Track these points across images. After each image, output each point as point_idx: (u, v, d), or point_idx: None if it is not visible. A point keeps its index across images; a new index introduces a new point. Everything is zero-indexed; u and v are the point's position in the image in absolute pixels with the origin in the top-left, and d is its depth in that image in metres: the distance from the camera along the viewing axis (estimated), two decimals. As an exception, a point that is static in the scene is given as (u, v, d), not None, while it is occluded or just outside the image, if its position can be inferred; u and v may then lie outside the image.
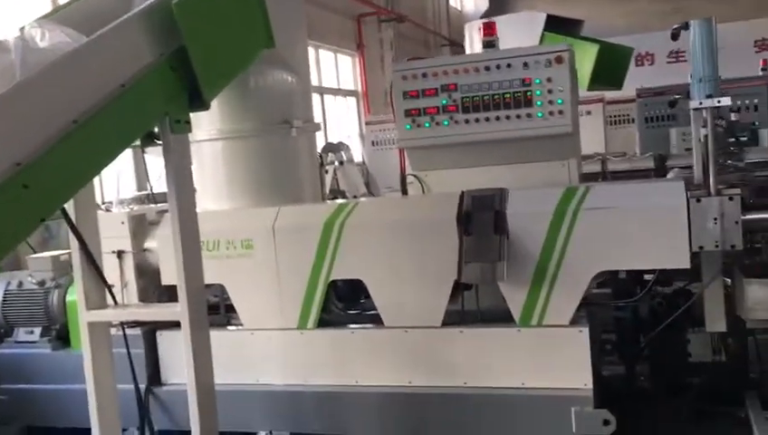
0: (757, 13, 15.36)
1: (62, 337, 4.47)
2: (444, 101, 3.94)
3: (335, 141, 7.35)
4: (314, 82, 12.48)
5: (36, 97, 2.37)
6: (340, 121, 14.81)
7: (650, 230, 3.34)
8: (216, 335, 3.23)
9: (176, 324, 3.08)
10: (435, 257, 3.57)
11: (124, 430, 3.56)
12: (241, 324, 4.01)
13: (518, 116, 3.84)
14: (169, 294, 3.92)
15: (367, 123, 12.75)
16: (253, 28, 3.44)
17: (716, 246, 3.34)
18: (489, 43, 4.15)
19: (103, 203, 5.71)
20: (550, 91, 3.79)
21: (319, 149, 5.40)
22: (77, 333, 3.84)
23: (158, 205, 4.44)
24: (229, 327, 4.08)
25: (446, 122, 3.96)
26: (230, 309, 4.05)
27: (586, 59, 6.62)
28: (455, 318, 3.65)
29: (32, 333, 4.50)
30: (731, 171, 5.30)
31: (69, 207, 3.04)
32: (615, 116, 12.00)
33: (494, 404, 3.51)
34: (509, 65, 3.85)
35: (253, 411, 3.88)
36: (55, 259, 4.52)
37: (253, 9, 3.43)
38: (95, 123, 2.51)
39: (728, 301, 3.66)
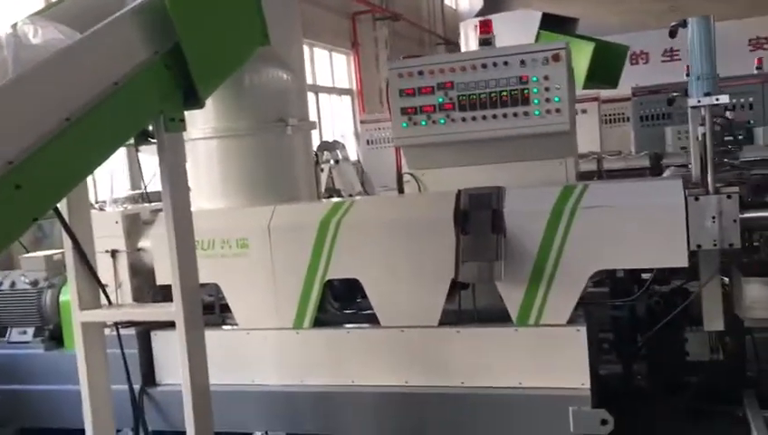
0: (752, 11, 15.39)
1: (55, 337, 4.43)
2: (440, 99, 3.91)
3: (330, 140, 7.32)
4: (309, 80, 12.45)
5: (29, 94, 2.34)
6: (334, 120, 14.78)
7: (648, 229, 3.32)
8: (211, 335, 3.20)
9: (170, 324, 3.06)
10: (431, 256, 3.55)
11: (118, 431, 3.52)
12: (236, 324, 3.98)
13: (515, 114, 3.82)
14: (164, 294, 3.89)
15: (362, 122, 12.73)
16: (248, 26, 3.41)
17: (714, 245, 3.33)
18: (486, 41, 4.13)
19: (97, 202, 5.67)
20: (547, 89, 3.77)
21: (314, 148, 5.37)
22: (70, 334, 3.80)
23: (153, 204, 4.40)
24: (224, 327, 4.05)
25: (442, 120, 3.93)
26: (225, 309, 4.02)
27: (582, 57, 6.63)
28: (452, 318, 3.63)
29: (25, 333, 4.46)
30: (727, 169, 5.30)
31: (62, 206, 3.02)
32: (610, 115, 12.01)
33: (492, 404, 3.49)
34: (506, 63, 3.82)
35: (248, 412, 3.85)
36: (48, 259, 4.48)
37: (248, 6, 3.40)
38: (88, 121, 2.48)
39: (726, 300, 3.65)
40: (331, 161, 6.44)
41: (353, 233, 3.68)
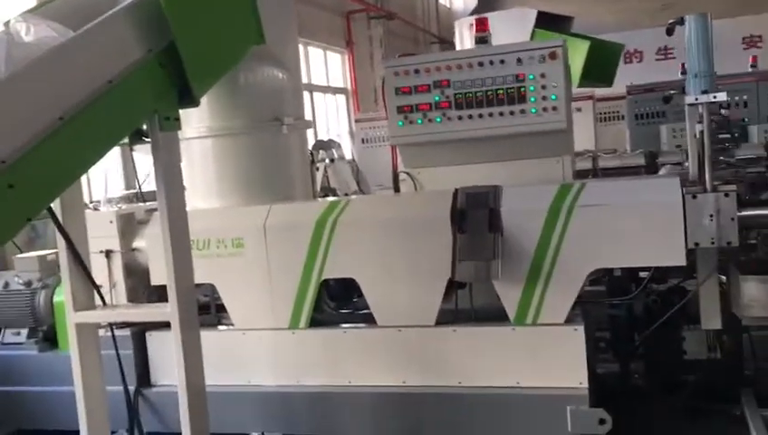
0: (745, 9, 15.41)
1: (49, 338, 4.41)
2: (436, 98, 3.90)
3: (325, 139, 7.30)
4: (304, 79, 12.40)
5: (21, 93, 2.32)
6: (329, 119, 14.75)
7: (646, 227, 3.31)
8: (206, 336, 3.18)
9: (165, 325, 3.04)
10: (428, 256, 3.54)
11: (113, 432, 3.50)
12: (232, 324, 3.96)
13: (512, 112, 3.80)
14: (159, 294, 3.87)
15: (356, 121, 12.68)
16: (243, 24, 3.38)
17: (712, 243, 3.32)
18: (482, 39, 4.10)
19: (91, 202, 5.65)
20: (544, 87, 3.76)
21: (309, 147, 5.35)
22: (65, 335, 3.77)
23: (147, 203, 4.39)
24: (220, 327, 4.04)
25: (438, 119, 3.91)
26: (221, 309, 4.00)
27: (577, 55, 6.63)
28: (448, 317, 3.61)
29: (18, 334, 4.44)
30: (723, 168, 5.30)
31: (56, 206, 3.00)
32: (605, 113, 12.01)
33: (489, 404, 3.47)
34: (502, 61, 3.81)
35: (244, 413, 3.83)
36: (42, 259, 4.46)
37: (243, 5, 3.37)
38: (82, 120, 2.45)
39: (723, 298, 3.64)
40: (327, 160, 6.42)
41: (349, 232, 3.66)
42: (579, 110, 10.84)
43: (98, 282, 3.29)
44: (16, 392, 4.34)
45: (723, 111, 6.90)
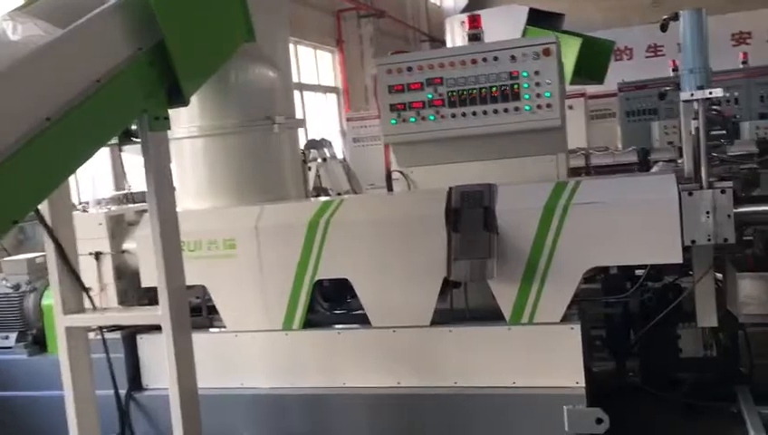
0: (734, 6, 15.46)
1: (38, 342, 4.37)
2: (430, 96, 3.87)
3: (317, 138, 7.25)
4: (294, 78, 12.36)
5: (7, 93, 2.27)
6: (320, 118, 14.70)
7: (642, 225, 3.29)
8: (198, 338, 3.14)
9: (157, 327, 3.00)
10: (423, 255, 3.51)
11: (104, 437, 3.45)
12: (224, 326, 3.92)
13: (506, 110, 3.78)
14: (150, 297, 3.83)
15: (348, 119, 12.66)
16: (233, 21, 3.34)
17: (709, 240, 3.30)
18: (474, 36, 4.07)
19: (80, 203, 5.59)
20: (538, 85, 3.73)
21: (301, 146, 5.31)
22: (54, 338, 3.72)
23: (137, 205, 4.34)
24: (212, 329, 4.00)
25: (432, 117, 3.88)
26: (213, 311, 3.96)
27: (569, 53, 6.61)
28: (444, 317, 3.58)
29: (7, 338, 4.39)
30: (716, 164, 5.29)
31: (44, 207, 2.96)
32: (596, 110, 12.04)
33: (486, 404, 3.45)
34: (496, 58, 3.78)
35: (237, 416, 3.79)
36: (30, 262, 4.42)
37: (232, 2, 3.33)
38: (70, 120, 2.41)
39: (719, 295, 3.62)
40: (319, 160, 6.38)
41: (343, 232, 3.63)
42: (570, 107, 10.84)
43: (87, 284, 3.25)
44: (6, 397, 4.29)
45: (714, 108, 6.90)
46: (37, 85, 2.37)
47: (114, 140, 2.89)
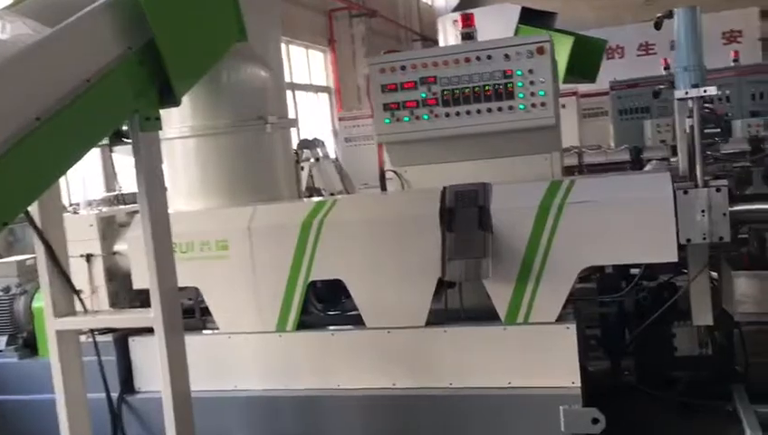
0: (725, 4, 15.49)
1: (29, 345, 4.33)
2: (423, 95, 3.84)
3: (309, 138, 7.22)
4: (286, 78, 12.33)
5: (-5, 93, 2.23)
6: (312, 118, 14.66)
7: (637, 224, 3.28)
8: (191, 340, 3.10)
9: (149, 330, 2.97)
10: (417, 255, 3.49)
11: (96, 440, 3.42)
12: (217, 328, 3.89)
13: (500, 109, 3.76)
14: (141, 299, 3.79)
15: (340, 119, 12.63)
16: (224, 21, 3.30)
17: (704, 239, 3.29)
18: (468, 35, 4.05)
19: (70, 205, 5.54)
20: (532, 83, 3.71)
21: (293, 146, 5.29)
22: (45, 341, 3.68)
23: (128, 206, 4.31)
24: (205, 331, 3.96)
25: (425, 116, 3.86)
26: (205, 312, 3.93)
27: (561, 51, 6.59)
28: (438, 317, 3.56)
29: (-3, 341, 4.34)
30: (710, 162, 5.30)
31: (34, 209, 2.92)
32: (589, 109, 12.04)
33: (481, 405, 3.43)
34: (489, 57, 3.76)
35: (231, 419, 3.76)
36: (21, 264, 4.39)
37: (224, 1, 3.30)
38: (59, 120, 2.37)
39: (713, 294, 3.61)
40: (312, 159, 6.35)
41: (336, 233, 3.61)
42: (563, 106, 10.86)
43: (78, 287, 3.23)
44: (-4, 401, 4.25)
45: (706, 106, 6.91)
46: (26, 84, 2.33)
47: (105, 141, 2.86)
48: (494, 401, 3.41)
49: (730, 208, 3.29)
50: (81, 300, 3.15)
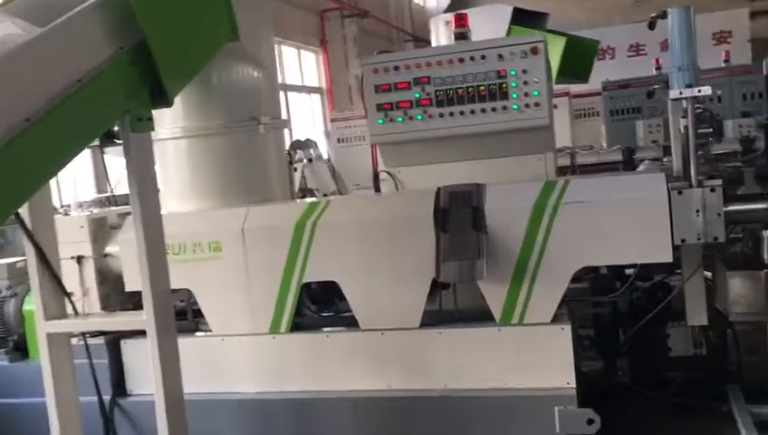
0: (715, 5, 15.55)
1: (20, 348, 4.29)
2: (417, 95, 3.82)
3: (302, 139, 7.20)
4: (278, 78, 12.29)
5: (-16, 93, 2.21)
6: (304, 119, 14.63)
7: (632, 224, 3.28)
8: (183, 342, 3.07)
9: (141, 332, 2.94)
10: (411, 256, 3.47)
11: (88, 444, 3.39)
12: (210, 331, 3.86)
13: (494, 109, 3.74)
14: (133, 301, 3.76)
15: (332, 120, 12.59)
16: (216, 20, 3.28)
17: (699, 239, 3.28)
18: (461, 35, 4.03)
19: (61, 206, 5.50)
20: (525, 83, 3.70)
21: (286, 147, 5.26)
22: (36, 344, 3.65)
23: (120, 207, 4.27)
24: (197, 334, 3.94)
25: (419, 117, 3.84)
26: (198, 315, 3.90)
27: (553, 52, 6.58)
28: (433, 319, 3.55)
29: (-13, 344, 4.31)
30: (702, 163, 5.29)
31: (24, 211, 2.90)
32: (580, 109, 12.05)
33: (476, 406, 3.42)
34: (483, 57, 3.74)
35: (224, 422, 3.74)
36: (11, 266, 4.37)
37: (216, 0, 3.27)
38: (50, 121, 2.35)
39: (708, 294, 3.61)
40: (305, 160, 6.33)
41: (330, 234, 3.59)
42: (555, 106, 10.87)
43: (69, 289, 3.20)
44: (-13, 404, 4.21)
45: (698, 106, 6.91)
46: (16, 85, 2.31)
47: (96, 142, 2.83)
48: (489, 403, 3.41)
49: (725, 208, 3.29)
50: (72, 303, 3.13)
